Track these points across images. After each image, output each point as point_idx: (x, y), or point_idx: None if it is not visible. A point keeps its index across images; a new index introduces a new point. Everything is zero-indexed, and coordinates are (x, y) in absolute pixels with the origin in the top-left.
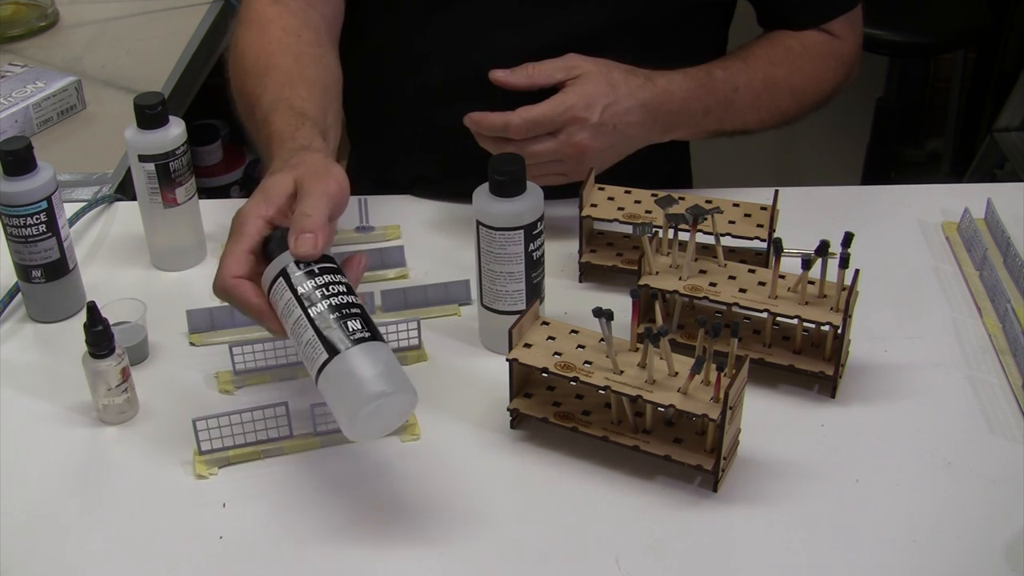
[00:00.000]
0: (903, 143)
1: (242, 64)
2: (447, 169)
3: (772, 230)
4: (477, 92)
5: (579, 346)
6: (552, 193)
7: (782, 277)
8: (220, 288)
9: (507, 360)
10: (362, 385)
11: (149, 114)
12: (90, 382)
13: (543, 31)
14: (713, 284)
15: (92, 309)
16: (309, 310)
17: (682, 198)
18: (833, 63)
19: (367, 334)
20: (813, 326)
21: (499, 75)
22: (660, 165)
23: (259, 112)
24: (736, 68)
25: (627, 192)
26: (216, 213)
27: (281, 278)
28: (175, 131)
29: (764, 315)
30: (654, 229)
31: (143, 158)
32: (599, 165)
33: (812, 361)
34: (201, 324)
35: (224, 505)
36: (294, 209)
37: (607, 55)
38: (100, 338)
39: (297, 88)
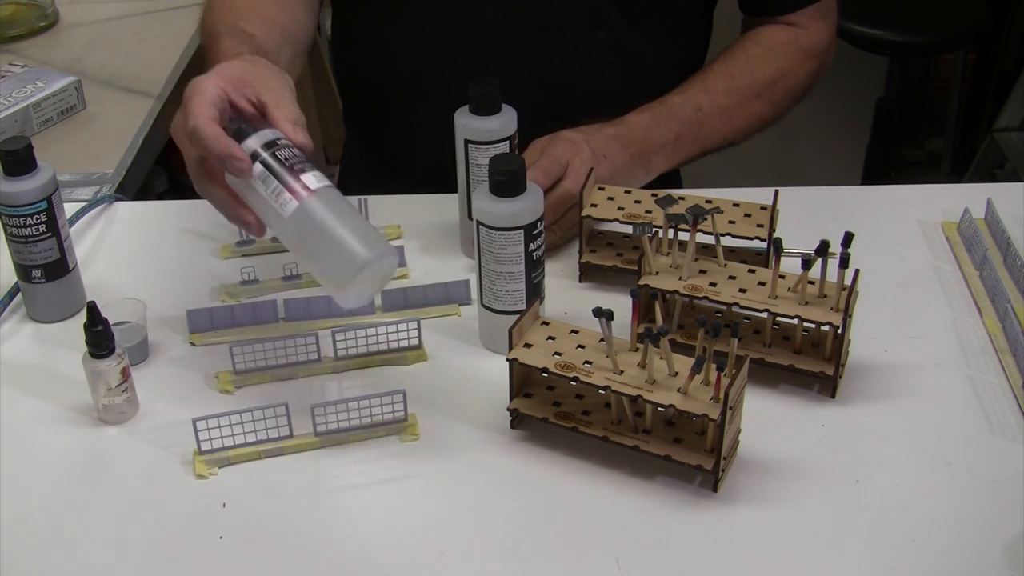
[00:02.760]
0: (903, 143)
1: (210, 1)
2: (444, 150)
3: (772, 230)
4: (469, 65)
5: (579, 346)
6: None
7: (782, 277)
8: (191, 128)
9: (507, 360)
10: (355, 250)
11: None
12: (90, 382)
13: (533, 4)
14: (713, 284)
15: (92, 309)
16: (287, 160)
17: (682, 198)
18: (800, 57)
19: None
20: (813, 326)
21: None
22: None
23: (215, 41)
24: (695, 90)
25: (627, 192)
26: (216, 213)
27: (260, 147)
28: None
29: (764, 315)
30: (654, 229)
31: None
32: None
33: (812, 361)
34: (201, 324)
35: (224, 505)
36: (260, 99)
37: (597, 29)
38: (100, 338)
39: (252, 21)
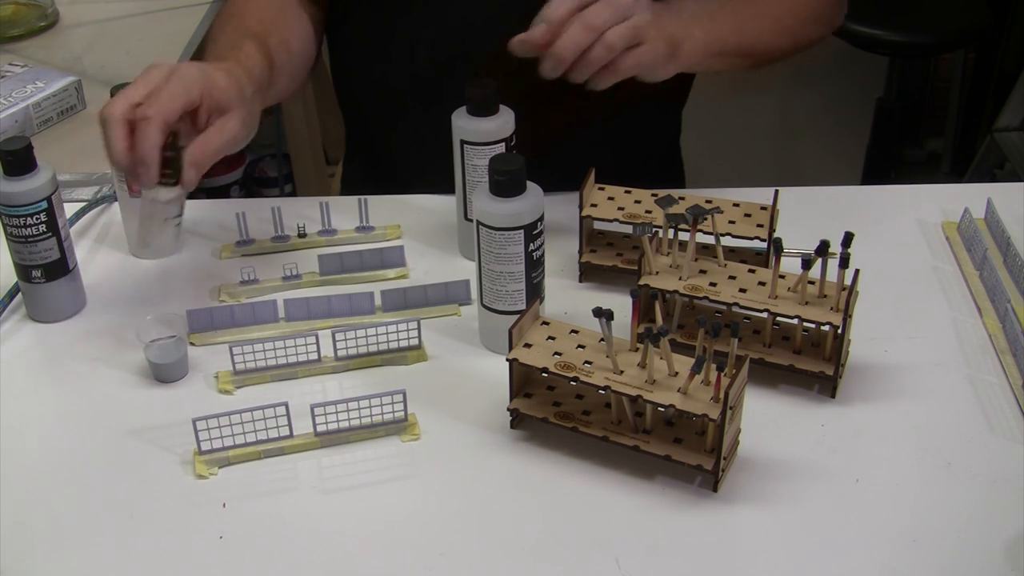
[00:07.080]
0: (903, 143)
1: (229, 8)
2: (443, 157)
3: (772, 230)
4: (463, 74)
5: (579, 346)
6: (552, 192)
7: (782, 277)
8: (153, 112)
9: (507, 360)
10: None
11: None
12: (145, 212)
13: (520, 10)
14: (713, 284)
15: (175, 135)
16: None
17: (682, 198)
18: None
19: None
20: (813, 326)
21: (516, 41)
22: (651, 156)
23: (223, 37)
24: None
25: (627, 192)
26: (216, 213)
27: None
28: None
29: (764, 315)
30: (654, 229)
31: None
32: (669, 41)
33: (812, 361)
34: (201, 324)
35: (224, 505)
36: (210, 119)
37: None
38: (173, 164)
39: (274, 34)
